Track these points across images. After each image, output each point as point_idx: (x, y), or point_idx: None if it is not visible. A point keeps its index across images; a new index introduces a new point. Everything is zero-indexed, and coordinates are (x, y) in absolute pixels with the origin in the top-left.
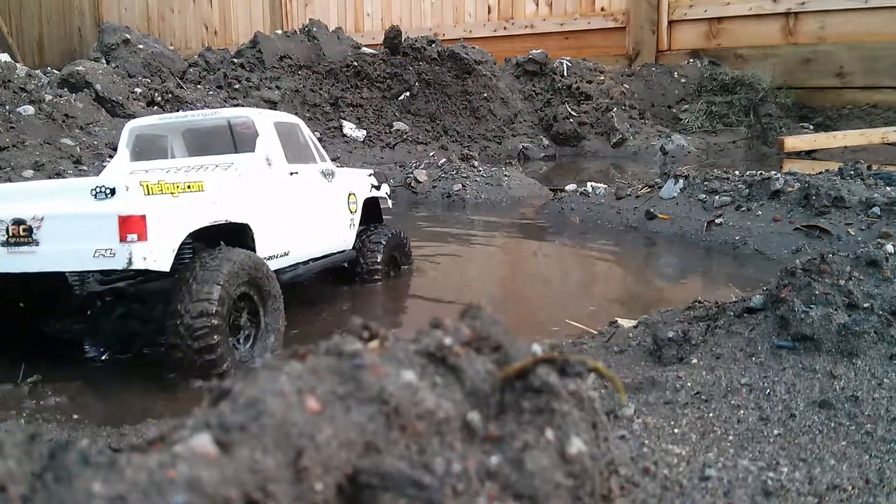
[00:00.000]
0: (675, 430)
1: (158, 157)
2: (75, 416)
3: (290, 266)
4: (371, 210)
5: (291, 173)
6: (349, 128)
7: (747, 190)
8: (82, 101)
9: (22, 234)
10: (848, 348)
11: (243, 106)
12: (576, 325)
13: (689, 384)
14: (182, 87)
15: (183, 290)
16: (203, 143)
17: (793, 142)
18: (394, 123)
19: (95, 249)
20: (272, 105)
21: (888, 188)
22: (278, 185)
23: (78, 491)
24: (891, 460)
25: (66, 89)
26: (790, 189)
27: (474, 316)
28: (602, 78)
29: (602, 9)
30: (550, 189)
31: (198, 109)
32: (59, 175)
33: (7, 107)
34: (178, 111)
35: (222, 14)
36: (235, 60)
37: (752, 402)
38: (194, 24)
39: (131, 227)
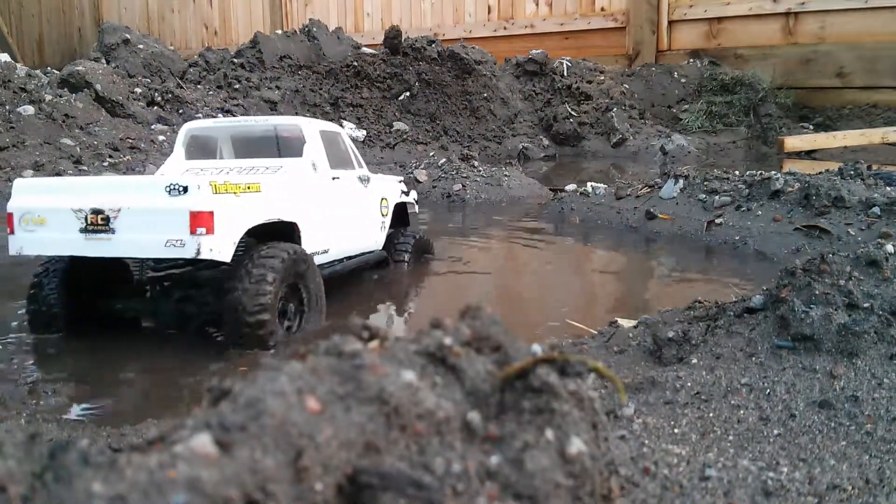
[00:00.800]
0: (675, 430)
1: (208, 157)
2: (75, 417)
3: (328, 262)
4: (400, 214)
5: (333, 178)
6: (349, 128)
7: (747, 190)
8: (82, 101)
9: (100, 222)
10: (848, 348)
11: (243, 106)
12: (576, 325)
13: (689, 384)
14: (182, 87)
15: (243, 274)
16: (249, 146)
17: (793, 142)
18: (394, 123)
19: (167, 239)
20: (272, 105)
21: (888, 188)
22: (322, 189)
23: (78, 491)
24: (891, 460)
25: (66, 89)
26: (790, 189)
27: (474, 316)
28: (602, 78)
29: (602, 9)
30: (550, 189)
31: (199, 110)
32: (58, 174)
33: (7, 107)
34: (179, 111)
35: (222, 14)
36: (235, 60)
37: (752, 402)
38: (194, 24)
39: (201, 221)
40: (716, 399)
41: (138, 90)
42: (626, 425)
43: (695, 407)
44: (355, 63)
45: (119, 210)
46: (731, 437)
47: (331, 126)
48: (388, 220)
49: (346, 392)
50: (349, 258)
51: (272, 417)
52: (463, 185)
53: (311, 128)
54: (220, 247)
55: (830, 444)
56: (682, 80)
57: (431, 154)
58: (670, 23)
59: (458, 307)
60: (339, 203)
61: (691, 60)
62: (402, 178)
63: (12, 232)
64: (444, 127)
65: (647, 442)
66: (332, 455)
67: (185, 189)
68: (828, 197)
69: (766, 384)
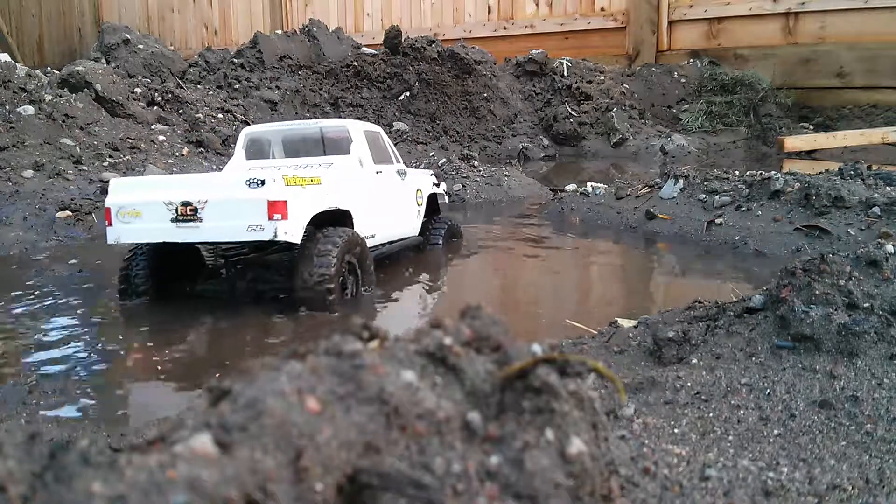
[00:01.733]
0: (675, 430)
1: (263, 157)
2: (75, 417)
3: (374, 246)
4: (432, 204)
5: (377, 172)
6: (399, 126)
7: (747, 190)
8: (82, 101)
9: (189, 213)
10: (848, 348)
11: (243, 106)
12: (576, 325)
13: (689, 384)
14: (182, 87)
15: (311, 249)
16: (298, 146)
17: (793, 142)
18: (394, 123)
19: (248, 225)
20: (272, 105)
21: (888, 188)
22: (368, 182)
23: (78, 491)
24: (891, 460)
25: (66, 89)
26: (790, 189)
27: (474, 316)
28: (602, 78)
29: (602, 9)
30: (550, 189)
31: (199, 110)
32: (58, 175)
33: (7, 107)
34: (179, 111)
35: (222, 14)
36: (235, 60)
37: (752, 402)
38: (194, 24)
39: (277, 209)
40: (716, 399)
41: (138, 90)
42: (626, 425)
43: (695, 407)
44: (355, 63)
45: (206, 202)
46: (731, 437)
47: (372, 126)
48: (422, 209)
49: (346, 392)
50: (391, 242)
51: (272, 417)
52: (463, 185)
53: (356, 128)
54: (292, 231)
55: (830, 444)
56: (682, 80)
57: (431, 154)
58: (670, 23)
59: (457, 307)
60: (382, 194)
61: (691, 60)
62: (433, 172)
63: (110, 224)
64: (444, 127)
65: (647, 442)
66: (332, 455)
67: (263, 182)
68: (828, 197)
69: (766, 384)
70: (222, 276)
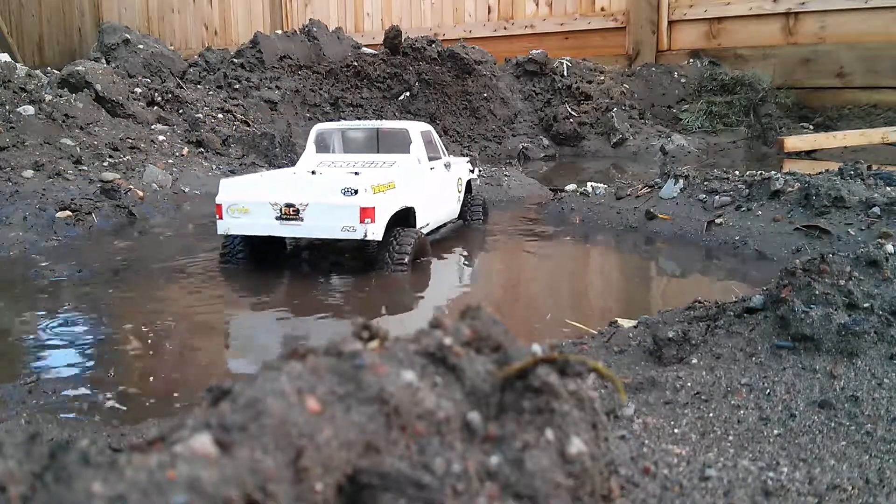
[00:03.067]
0: (675, 431)
1: (328, 151)
2: (75, 417)
3: (429, 232)
4: (468, 187)
5: (431, 168)
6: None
7: (747, 190)
8: (82, 101)
9: (291, 213)
10: (848, 348)
11: (243, 106)
12: (576, 325)
13: (689, 384)
14: (182, 87)
15: (393, 242)
16: (359, 143)
17: (793, 142)
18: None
19: (343, 226)
20: (272, 105)
21: (888, 188)
22: (424, 178)
23: (78, 491)
24: (891, 460)
25: (65, 89)
26: (790, 189)
27: (474, 316)
28: (602, 78)
29: (602, 9)
30: (550, 189)
31: (199, 109)
32: (58, 175)
33: (7, 107)
34: (179, 111)
35: (222, 14)
36: (235, 60)
37: (752, 403)
38: (194, 24)
39: (367, 214)
40: (716, 399)
41: (138, 90)
42: (626, 425)
43: (695, 407)
44: (355, 63)
45: (307, 205)
46: (731, 437)
47: (425, 126)
48: (462, 194)
49: (346, 392)
50: (438, 227)
51: (272, 417)
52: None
53: (415, 130)
54: (377, 231)
55: (830, 444)
56: (682, 80)
57: None
58: (670, 23)
59: (457, 307)
60: (434, 187)
61: (691, 60)
62: (469, 159)
63: (221, 217)
64: (444, 127)
65: (647, 442)
66: (332, 455)
67: (356, 191)
68: (828, 197)
69: (766, 384)
70: (302, 256)
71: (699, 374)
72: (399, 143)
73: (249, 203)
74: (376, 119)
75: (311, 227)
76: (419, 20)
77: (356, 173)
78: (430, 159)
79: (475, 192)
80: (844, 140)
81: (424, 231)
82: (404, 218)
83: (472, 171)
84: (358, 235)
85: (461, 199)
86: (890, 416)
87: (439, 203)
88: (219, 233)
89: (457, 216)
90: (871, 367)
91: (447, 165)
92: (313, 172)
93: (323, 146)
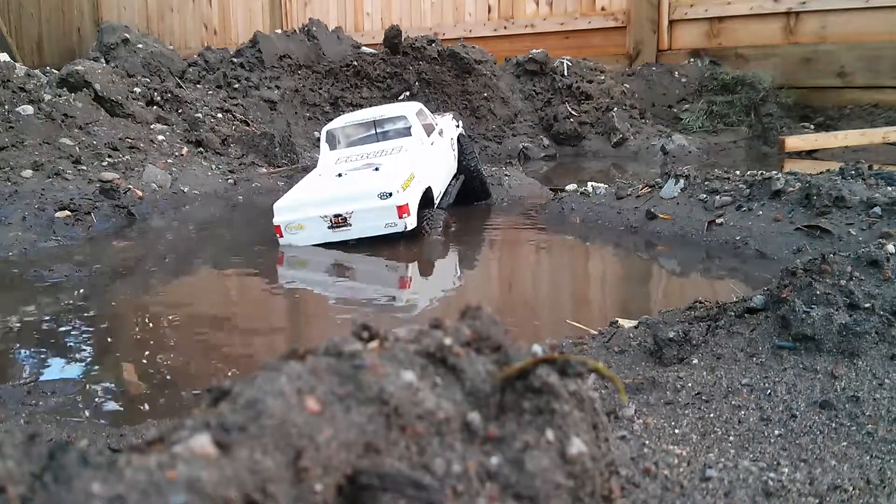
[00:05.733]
0: (676, 431)
1: (336, 147)
2: (75, 417)
3: (440, 198)
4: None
5: (431, 143)
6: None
7: (748, 190)
8: (81, 101)
9: (340, 221)
10: (849, 348)
11: (243, 106)
12: (576, 325)
13: (689, 384)
14: (181, 87)
15: (427, 216)
16: (366, 133)
17: (794, 142)
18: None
19: (385, 223)
20: (272, 104)
21: (889, 188)
22: (429, 155)
23: (77, 491)
24: (892, 461)
25: (65, 89)
26: (791, 189)
27: (474, 316)
28: (602, 77)
29: (602, 8)
30: (551, 189)
31: (199, 109)
32: (58, 175)
33: (6, 106)
34: (178, 111)
35: (222, 14)
36: (235, 60)
37: (752, 403)
38: (194, 24)
39: (403, 210)
40: (716, 399)
41: (137, 90)
42: (627, 426)
43: (695, 407)
44: (355, 63)
45: (352, 213)
46: (731, 438)
47: (416, 105)
48: (456, 151)
49: (346, 392)
50: (446, 187)
51: (272, 418)
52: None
53: (411, 113)
54: (413, 220)
55: (831, 444)
56: (683, 80)
57: None
58: (671, 22)
59: (457, 307)
60: (437, 158)
61: (692, 60)
62: (453, 114)
63: (281, 236)
64: None
65: (647, 442)
66: (331, 456)
67: (391, 194)
68: (829, 197)
69: (766, 384)
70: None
71: (700, 375)
72: (401, 129)
73: (303, 220)
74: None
75: (360, 230)
76: (419, 19)
77: (376, 169)
78: (428, 134)
79: (465, 144)
80: (845, 140)
81: (438, 198)
82: (425, 195)
83: (458, 126)
84: (399, 228)
85: (456, 155)
86: (891, 416)
87: (444, 170)
88: (282, 244)
89: (456, 170)
90: (871, 368)
91: (441, 133)
92: (340, 175)
93: (334, 143)
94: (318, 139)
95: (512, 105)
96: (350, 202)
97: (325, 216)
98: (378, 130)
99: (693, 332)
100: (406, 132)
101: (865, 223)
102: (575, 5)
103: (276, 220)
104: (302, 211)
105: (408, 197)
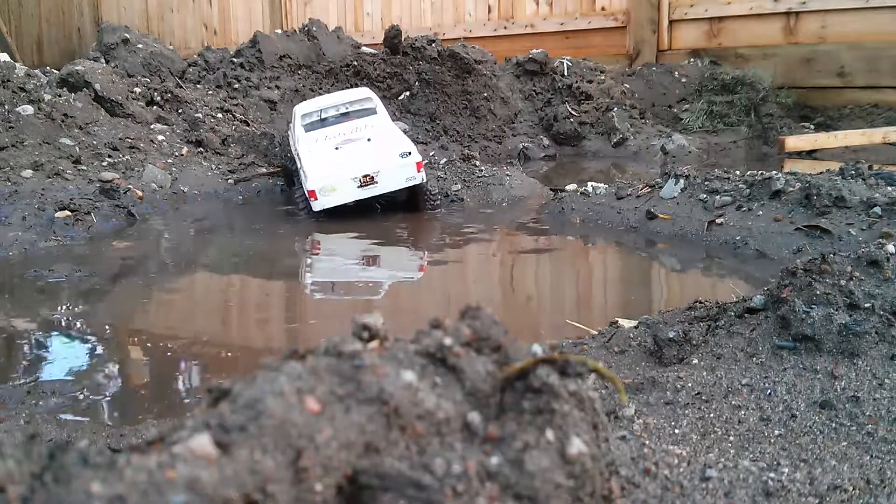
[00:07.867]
0: (676, 431)
1: (314, 127)
2: (75, 417)
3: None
4: None
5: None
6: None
7: (748, 190)
8: (81, 101)
9: (368, 180)
10: (849, 349)
11: (243, 106)
12: (576, 325)
13: (689, 384)
14: (181, 87)
15: (427, 189)
16: (339, 113)
17: (794, 142)
18: (394, 123)
19: (406, 177)
20: (272, 104)
21: (889, 188)
22: (396, 130)
23: (77, 491)
24: (892, 461)
25: (65, 89)
26: (791, 189)
27: (474, 316)
28: (602, 77)
29: (602, 8)
30: (551, 189)
31: (199, 109)
32: (57, 175)
33: (6, 106)
34: (178, 111)
35: (222, 13)
36: (235, 60)
37: (752, 403)
38: (194, 24)
39: (420, 165)
40: (716, 399)
41: (137, 90)
42: (627, 426)
43: (695, 407)
44: (355, 63)
45: (378, 171)
46: (731, 438)
47: (366, 90)
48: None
49: (346, 392)
50: None
51: (272, 418)
52: (463, 185)
53: (373, 95)
54: (424, 176)
55: (831, 444)
56: (683, 80)
57: (431, 154)
58: (671, 22)
59: (457, 307)
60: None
61: (692, 60)
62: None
63: (315, 199)
64: (445, 126)
65: (647, 442)
66: (331, 456)
67: (409, 153)
68: (829, 197)
69: (766, 384)
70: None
71: (700, 375)
72: (368, 109)
73: (336, 182)
74: None
75: (385, 185)
76: (419, 19)
77: (369, 140)
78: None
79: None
80: (845, 140)
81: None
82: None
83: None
84: (418, 181)
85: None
86: (891, 416)
87: None
88: (315, 209)
89: None
90: (871, 368)
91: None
92: (336, 148)
93: (309, 123)
94: None
95: (512, 105)
96: (376, 163)
97: (356, 177)
98: (349, 110)
99: (693, 332)
100: (373, 111)
101: (865, 223)
102: (575, 5)
103: (311, 186)
104: (333, 177)
105: (420, 157)
